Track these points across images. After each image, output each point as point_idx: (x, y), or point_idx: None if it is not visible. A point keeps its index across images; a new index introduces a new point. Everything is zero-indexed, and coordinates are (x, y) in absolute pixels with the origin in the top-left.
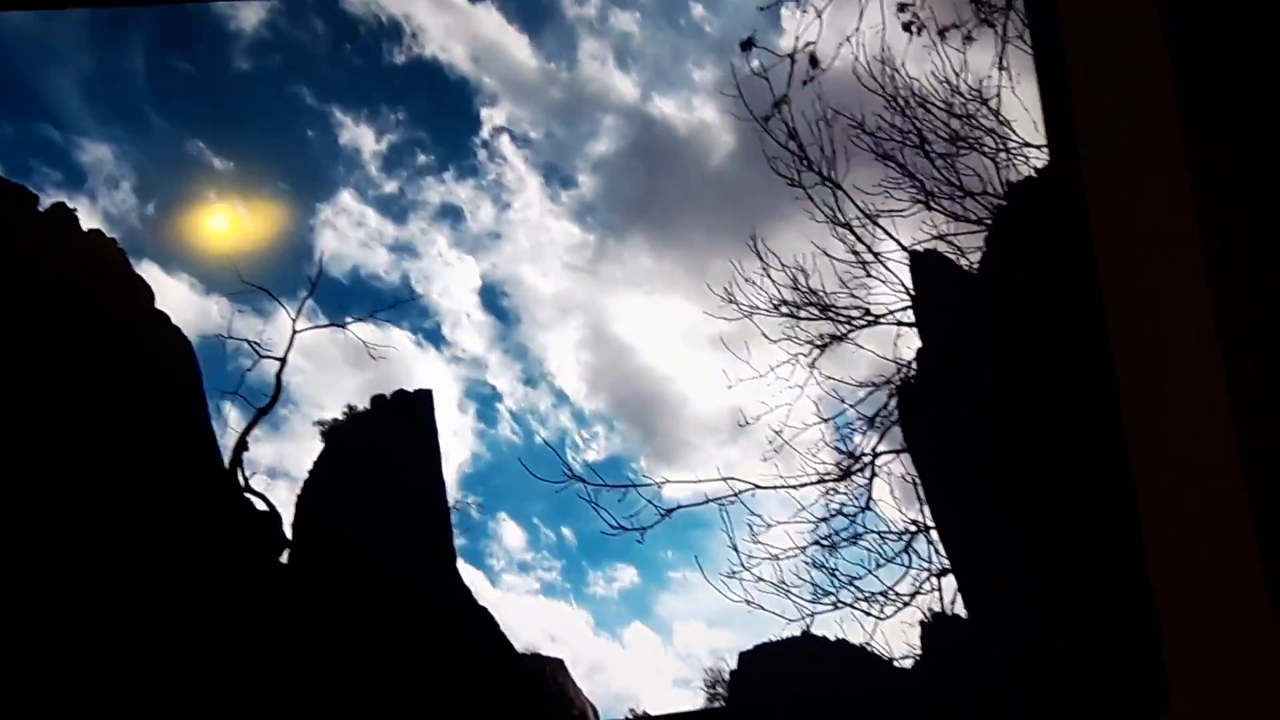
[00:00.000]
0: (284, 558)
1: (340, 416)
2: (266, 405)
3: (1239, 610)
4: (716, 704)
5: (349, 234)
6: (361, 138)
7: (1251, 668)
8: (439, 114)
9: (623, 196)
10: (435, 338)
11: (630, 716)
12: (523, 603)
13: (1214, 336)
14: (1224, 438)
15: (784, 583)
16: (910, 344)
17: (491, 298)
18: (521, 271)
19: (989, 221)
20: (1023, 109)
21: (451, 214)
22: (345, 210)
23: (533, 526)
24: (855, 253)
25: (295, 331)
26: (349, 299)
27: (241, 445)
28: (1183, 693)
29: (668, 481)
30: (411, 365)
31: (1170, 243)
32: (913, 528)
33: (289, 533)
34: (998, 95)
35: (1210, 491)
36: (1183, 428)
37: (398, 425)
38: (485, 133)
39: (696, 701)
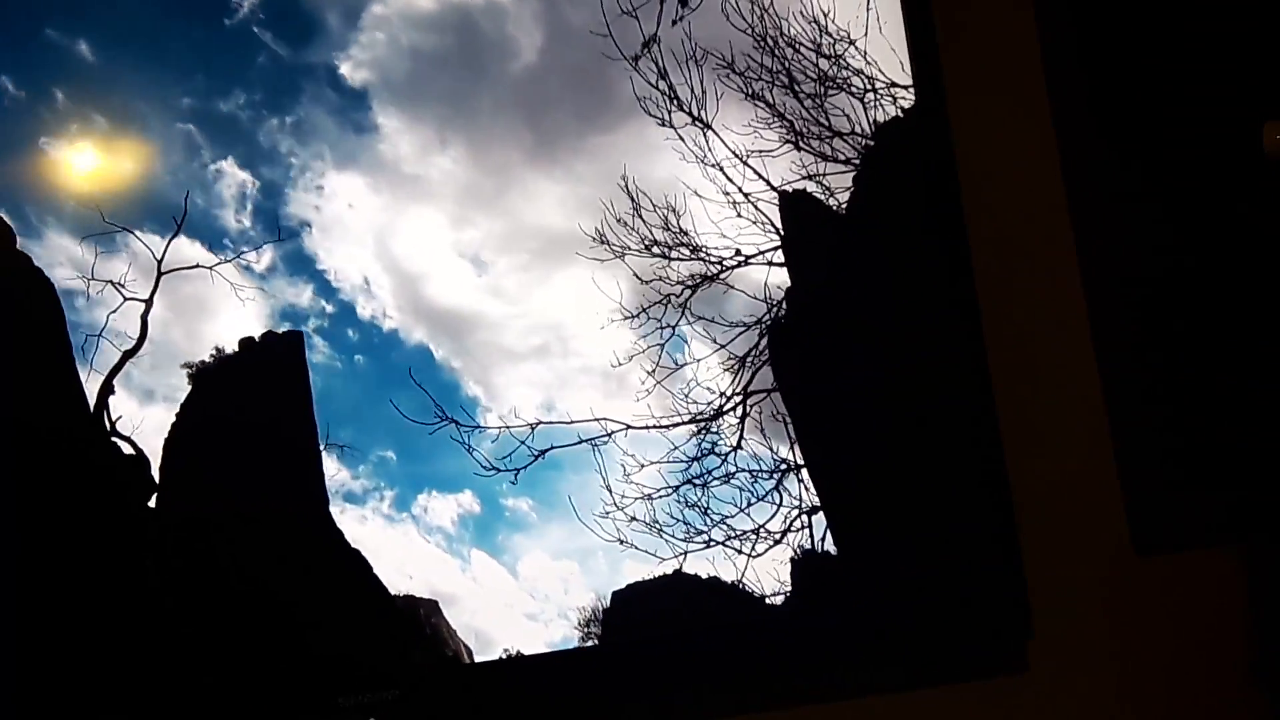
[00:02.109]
0: (152, 502)
1: (208, 359)
2: (133, 348)
3: (1102, 545)
4: (590, 643)
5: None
6: (78, 41)
7: (1112, 601)
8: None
9: (421, 102)
10: (229, 263)
11: (506, 656)
12: (363, 533)
13: (1076, 270)
14: (1087, 373)
15: (656, 522)
16: (781, 283)
17: (277, 218)
18: (313, 186)
19: (857, 162)
20: (889, 49)
21: (222, 123)
22: (86, 129)
23: (351, 456)
24: (725, 193)
25: (161, 273)
26: (133, 223)
27: (107, 388)
28: (1046, 624)
29: (541, 423)
30: (207, 293)
31: (1032, 177)
32: (784, 466)
33: (157, 477)
34: (865, 35)
35: (1075, 427)
36: (1047, 363)
37: (268, 368)
38: (243, 16)
39: (551, 636)
